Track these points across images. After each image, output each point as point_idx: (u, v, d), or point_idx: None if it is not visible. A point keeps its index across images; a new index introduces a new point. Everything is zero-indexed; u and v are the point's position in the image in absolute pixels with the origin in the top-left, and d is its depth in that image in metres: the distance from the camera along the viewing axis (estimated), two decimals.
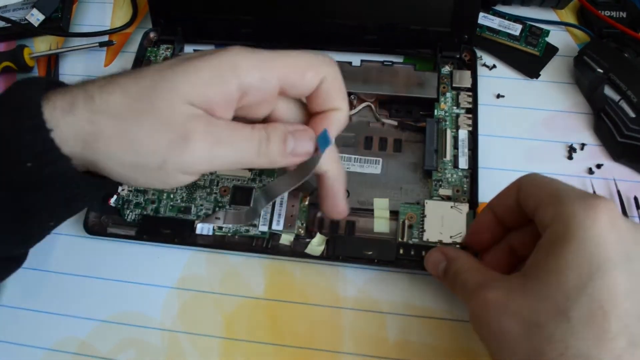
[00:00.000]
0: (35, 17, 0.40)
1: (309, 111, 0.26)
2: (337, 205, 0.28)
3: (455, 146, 0.33)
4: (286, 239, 0.32)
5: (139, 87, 0.22)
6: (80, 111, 0.22)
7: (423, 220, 0.31)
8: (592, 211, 0.20)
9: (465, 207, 0.31)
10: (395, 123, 0.36)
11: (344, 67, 0.36)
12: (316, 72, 0.24)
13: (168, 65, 0.23)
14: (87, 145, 0.22)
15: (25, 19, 0.40)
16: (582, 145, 0.35)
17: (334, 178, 0.27)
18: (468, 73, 0.36)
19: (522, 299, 0.21)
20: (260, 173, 0.34)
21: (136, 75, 0.23)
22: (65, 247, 0.34)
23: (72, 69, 0.41)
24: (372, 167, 0.34)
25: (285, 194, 0.32)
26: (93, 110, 0.22)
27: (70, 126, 0.22)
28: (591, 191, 0.33)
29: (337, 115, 0.25)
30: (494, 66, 0.38)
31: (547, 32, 0.38)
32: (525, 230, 0.26)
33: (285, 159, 0.24)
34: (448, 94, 0.35)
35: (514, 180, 0.26)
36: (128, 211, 0.34)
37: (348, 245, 0.31)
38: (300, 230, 0.32)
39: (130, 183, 0.24)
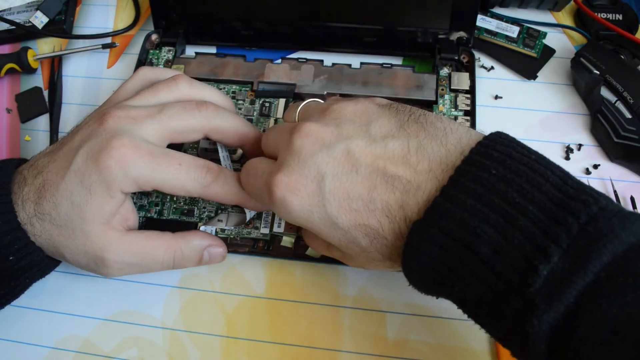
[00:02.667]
0: (39, 19, 0.40)
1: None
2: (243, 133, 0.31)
3: None
4: (287, 241, 0.32)
5: (60, 217, 0.27)
6: (36, 228, 0.28)
7: None
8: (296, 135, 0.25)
9: None
10: None
11: (343, 69, 0.37)
12: (201, 127, 0.30)
13: (73, 187, 0.27)
14: (47, 248, 0.28)
15: (29, 21, 0.40)
16: (579, 146, 0.35)
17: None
18: (466, 75, 0.36)
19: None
20: None
21: (54, 201, 0.27)
22: None
23: (75, 70, 0.41)
24: None
25: None
26: (39, 235, 0.28)
27: (36, 236, 0.28)
28: None
29: (249, 138, 0.31)
30: (492, 68, 0.38)
31: (545, 34, 0.38)
32: None
33: (200, 265, 0.31)
34: (446, 96, 0.36)
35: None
36: None
37: None
38: (301, 232, 0.32)
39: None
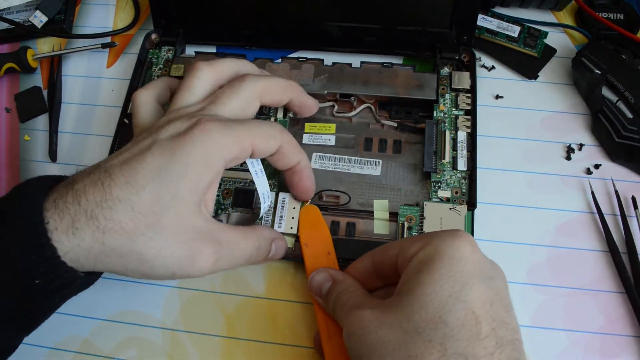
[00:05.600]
0: (39, 18, 0.40)
1: (278, 168, 0.30)
2: (309, 187, 0.31)
3: (454, 148, 0.34)
4: (288, 241, 0.32)
5: (142, 201, 0.23)
6: (85, 233, 0.23)
7: (422, 222, 0.32)
8: (457, 237, 0.23)
9: (463, 209, 0.32)
10: (395, 124, 0.36)
11: (344, 68, 0.37)
12: (275, 140, 0.28)
13: (161, 164, 0.24)
14: (98, 261, 0.23)
15: (29, 21, 0.40)
16: (580, 146, 0.35)
17: (304, 165, 0.30)
18: (467, 74, 0.36)
19: (399, 312, 0.22)
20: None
21: (133, 183, 0.23)
22: None
23: (74, 70, 0.41)
24: (372, 168, 0.34)
25: (287, 197, 0.32)
26: (100, 230, 0.23)
27: (79, 248, 0.23)
28: (589, 191, 0.33)
29: (300, 166, 0.30)
30: (493, 67, 0.38)
31: (545, 34, 0.38)
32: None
33: (264, 262, 0.30)
34: (447, 96, 0.36)
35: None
36: None
37: (348, 247, 0.31)
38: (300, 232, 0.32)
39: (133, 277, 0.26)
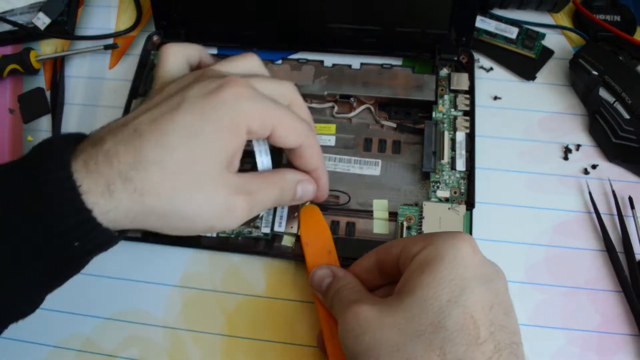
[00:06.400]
0: (42, 20, 0.41)
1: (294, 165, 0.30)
2: (319, 197, 0.31)
3: (453, 148, 0.34)
4: (288, 240, 0.33)
5: (176, 161, 0.23)
6: (122, 195, 0.23)
7: (421, 222, 0.32)
8: (459, 239, 0.23)
9: (462, 209, 0.32)
10: (394, 125, 0.36)
11: (343, 70, 0.37)
12: (298, 136, 0.27)
13: (191, 125, 0.24)
14: (137, 220, 0.24)
15: (32, 23, 0.41)
16: (578, 146, 0.35)
17: (320, 174, 0.30)
18: (465, 75, 0.36)
19: (399, 313, 0.22)
20: None
21: (164, 144, 0.23)
22: None
23: (77, 71, 0.41)
24: (372, 168, 0.35)
25: None
26: (137, 192, 0.23)
27: (116, 210, 0.23)
28: (587, 191, 0.34)
29: (318, 172, 0.29)
30: (491, 68, 0.38)
31: (543, 35, 0.39)
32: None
33: (292, 203, 0.29)
34: (446, 96, 0.36)
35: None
36: None
37: (348, 246, 0.32)
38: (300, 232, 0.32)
39: (172, 234, 0.26)
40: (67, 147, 0.23)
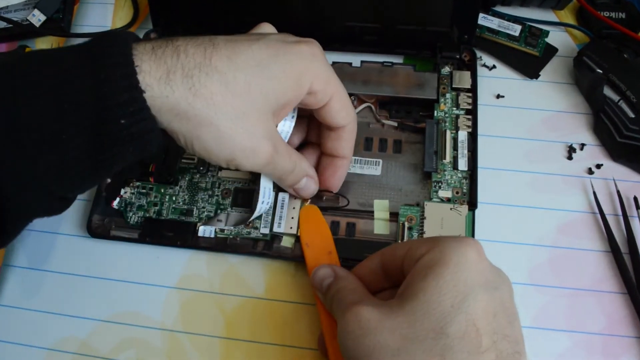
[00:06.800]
0: (37, 17, 0.40)
1: (319, 152, 0.32)
2: (337, 181, 0.32)
3: (455, 147, 0.34)
4: (287, 241, 0.32)
5: (237, 82, 0.24)
6: (177, 87, 0.23)
7: (423, 222, 0.31)
8: (464, 244, 0.22)
9: (464, 209, 0.31)
10: (395, 124, 0.36)
11: (344, 67, 0.37)
12: (348, 114, 0.29)
13: (263, 59, 0.25)
14: (176, 119, 0.24)
15: (27, 20, 0.40)
16: (582, 146, 0.35)
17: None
18: (468, 74, 0.36)
19: (400, 317, 0.21)
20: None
21: (233, 61, 0.24)
22: (66, 247, 0.34)
23: None
24: (372, 168, 0.34)
25: (287, 197, 0.32)
26: (191, 91, 0.23)
27: (166, 99, 0.23)
28: (591, 191, 0.33)
29: (344, 162, 0.31)
30: (494, 66, 0.38)
31: (547, 33, 0.38)
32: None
33: (289, 189, 0.31)
34: (448, 95, 0.35)
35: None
36: (131, 214, 0.34)
37: (349, 247, 0.31)
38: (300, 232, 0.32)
39: (189, 150, 0.26)
40: (130, 35, 0.24)
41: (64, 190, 0.25)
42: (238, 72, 0.24)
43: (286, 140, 0.30)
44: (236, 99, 0.24)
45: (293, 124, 0.30)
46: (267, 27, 0.30)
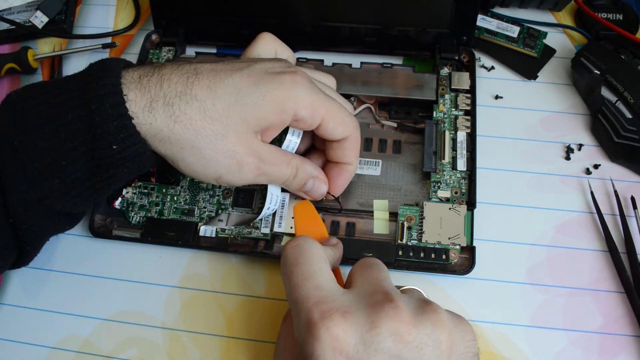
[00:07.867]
0: (39, 19, 0.40)
1: (325, 158, 0.32)
2: (338, 189, 0.32)
3: (454, 148, 0.34)
4: (288, 240, 0.32)
5: (215, 108, 0.26)
6: (159, 115, 0.25)
7: (422, 222, 0.32)
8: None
9: (463, 209, 0.32)
10: (395, 125, 0.36)
11: (343, 69, 0.37)
12: (346, 128, 0.29)
13: (243, 87, 0.26)
14: (161, 144, 0.26)
15: (29, 21, 0.40)
16: (580, 146, 0.35)
17: (352, 169, 0.31)
18: (466, 75, 0.36)
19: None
20: None
21: (213, 90, 0.26)
22: (69, 247, 0.34)
23: (75, 70, 0.40)
24: (372, 168, 0.35)
25: (287, 197, 0.33)
26: (172, 118, 0.25)
27: (150, 126, 0.25)
28: (589, 191, 0.34)
29: (349, 168, 0.31)
30: (492, 68, 0.38)
31: (545, 34, 0.38)
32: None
33: (299, 193, 0.31)
34: (447, 96, 0.36)
35: None
36: (133, 213, 0.34)
37: (348, 247, 0.31)
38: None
39: (179, 170, 0.28)
40: (120, 63, 0.26)
41: (69, 209, 0.27)
42: (217, 100, 0.26)
43: (293, 152, 0.30)
44: (215, 123, 0.26)
45: (299, 139, 0.30)
46: (267, 37, 0.30)
